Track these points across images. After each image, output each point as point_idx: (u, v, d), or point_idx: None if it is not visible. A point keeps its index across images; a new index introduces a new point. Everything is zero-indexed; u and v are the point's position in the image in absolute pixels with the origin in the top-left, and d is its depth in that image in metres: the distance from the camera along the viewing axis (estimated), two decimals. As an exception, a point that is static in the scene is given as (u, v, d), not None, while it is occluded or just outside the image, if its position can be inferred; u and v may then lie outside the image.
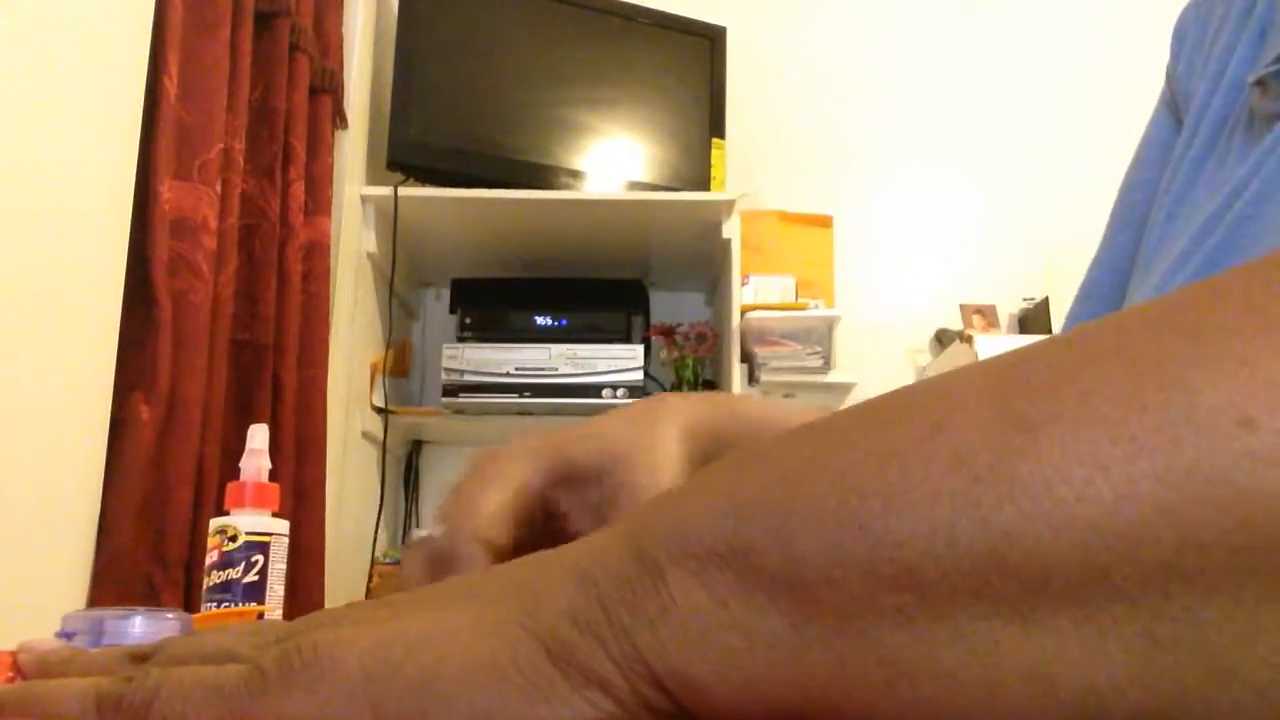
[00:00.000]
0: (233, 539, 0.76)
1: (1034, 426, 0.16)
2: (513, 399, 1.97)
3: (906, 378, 2.36)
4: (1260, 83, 0.37)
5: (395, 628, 0.23)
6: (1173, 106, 0.48)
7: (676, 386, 2.15)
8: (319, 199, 1.69)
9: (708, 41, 2.19)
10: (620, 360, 1.99)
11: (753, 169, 2.35)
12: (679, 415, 0.35)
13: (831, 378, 2.07)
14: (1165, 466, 0.15)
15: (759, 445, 0.21)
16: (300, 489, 1.57)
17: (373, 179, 2.00)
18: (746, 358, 2.07)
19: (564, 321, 2.09)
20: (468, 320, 2.10)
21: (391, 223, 1.96)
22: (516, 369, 1.98)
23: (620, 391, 1.97)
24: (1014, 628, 0.16)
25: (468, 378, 1.98)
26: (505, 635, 0.21)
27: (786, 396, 2.07)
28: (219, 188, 1.36)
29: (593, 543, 0.23)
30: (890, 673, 0.17)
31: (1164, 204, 0.42)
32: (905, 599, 0.17)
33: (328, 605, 1.57)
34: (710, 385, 2.18)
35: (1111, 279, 0.48)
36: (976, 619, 0.16)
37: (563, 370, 1.98)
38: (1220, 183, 0.36)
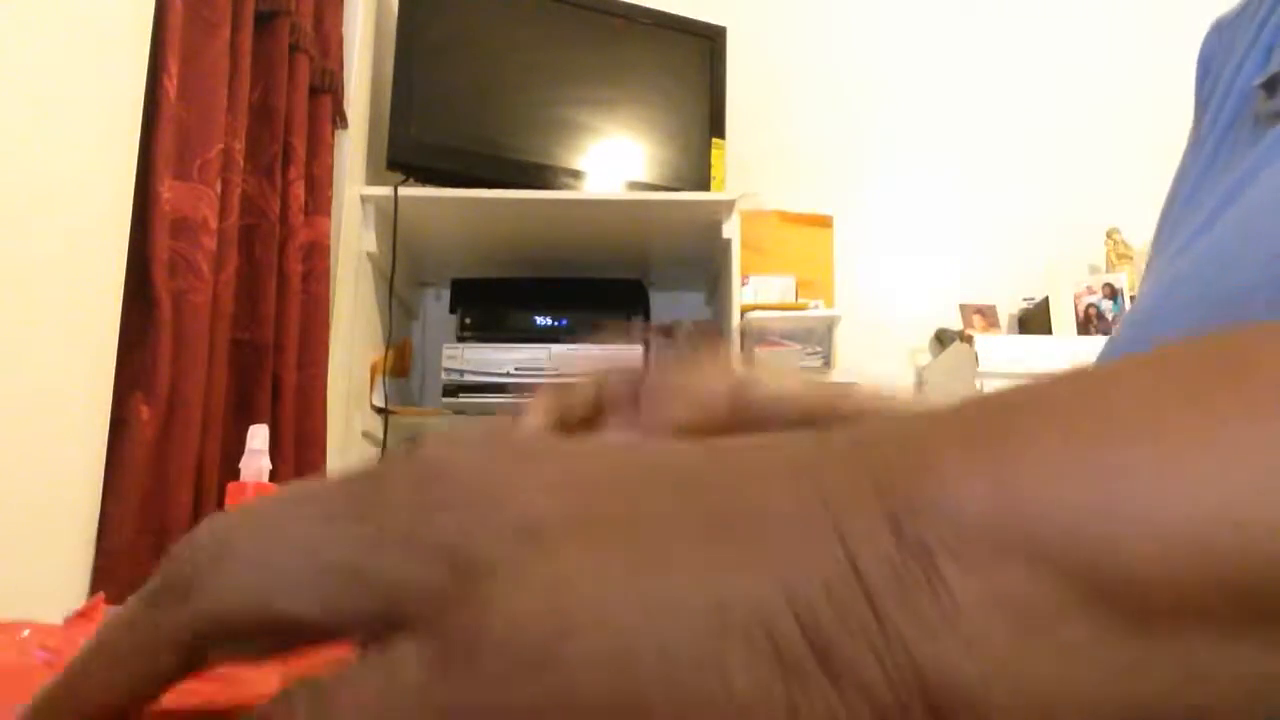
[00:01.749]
0: (233, 539, 0.76)
1: None
2: (513, 399, 1.97)
3: (906, 378, 2.36)
4: (1267, 85, 0.37)
5: (616, 563, 0.17)
6: None
7: (676, 386, 2.14)
8: (319, 199, 1.69)
9: (708, 41, 2.19)
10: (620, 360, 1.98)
11: (753, 169, 2.34)
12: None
13: (831, 378, 2.07)
14: None
15: (1023, 405, 0.18)
16: (300, 489, 1.57)
17: (373, 179, 2.00)
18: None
19: (564, 321, 2.09)
20: (468, 320, 2.10)
21: (391, 223, 1.95)
22: (516, 369, 1.98)
23: (620, 391, 1.96)
24: None
25: (468, 378, 1.98)
26: (759, 601, 0.17)
27: (786, 396, 2.06)
28: (219, 188, 1.35)
29: (839, 490, 0.18)
30: (1245, 689, 0.16)
31: (1174, 214, 0.42)
32: (1262, 610, 0.15)
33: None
34: (710, 385, 2.17)
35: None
36: None
37: (563, 370, 1.98)
38: (1223, 183, 0.37)
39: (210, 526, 0.20)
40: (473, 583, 0.17)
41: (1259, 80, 0.37)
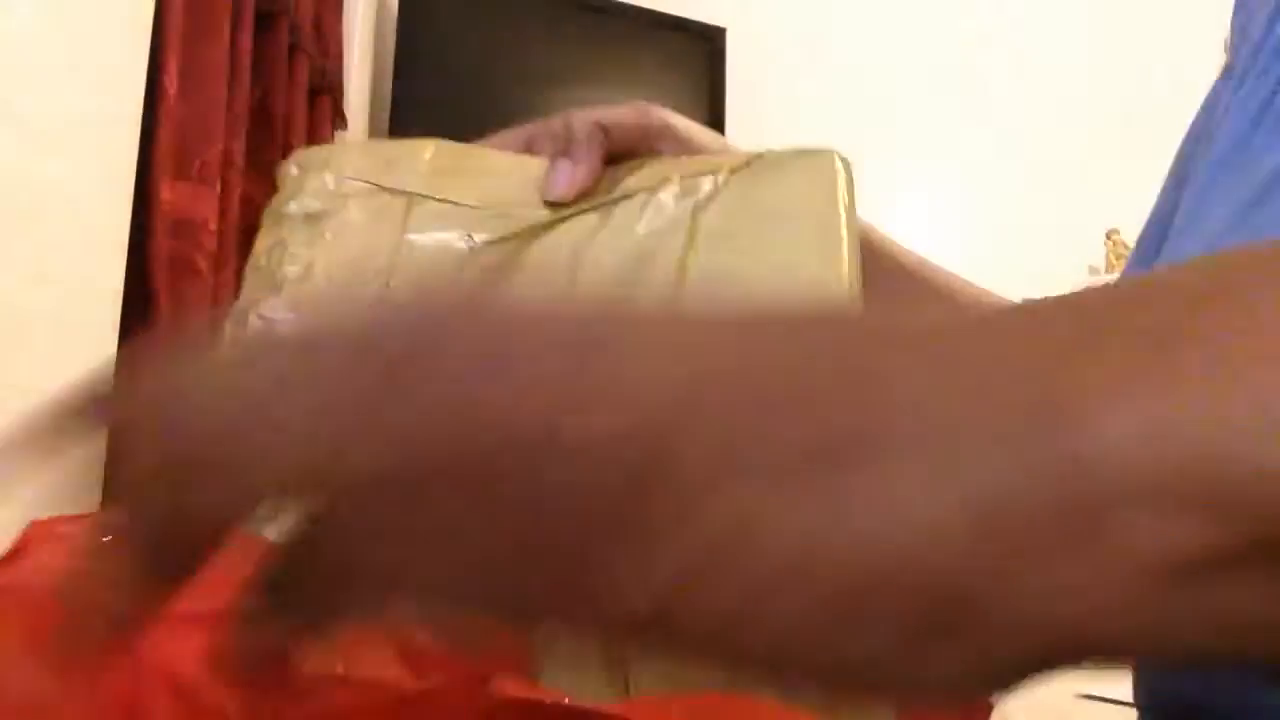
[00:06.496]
0: (233, 540, 0.76)
1: None
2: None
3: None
4: None
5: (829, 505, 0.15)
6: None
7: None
8: (319, 199, 1.69)
9: (708, 42, 2.19)
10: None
11: (753, 169, 2.34)
12: None
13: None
14: None
15: (1179, 326, 0.16)
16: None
17: (372, 179, 2.00)
18: (746, 358, 2.07)
19: (564, 322, 2.09)
20: (467, 320, 2.10)
21: (391, 223, 1.95)
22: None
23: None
24: None
25: (467, 378, 1.98)
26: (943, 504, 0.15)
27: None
28: (219, 188, 1.35)
29: (992, 394, 0.16)
30: None
31: (1210, 152, 0.37)
32: None
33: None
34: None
35: (1160, 233, 0.44)
36: None
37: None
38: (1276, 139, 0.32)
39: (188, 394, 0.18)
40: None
41: None
